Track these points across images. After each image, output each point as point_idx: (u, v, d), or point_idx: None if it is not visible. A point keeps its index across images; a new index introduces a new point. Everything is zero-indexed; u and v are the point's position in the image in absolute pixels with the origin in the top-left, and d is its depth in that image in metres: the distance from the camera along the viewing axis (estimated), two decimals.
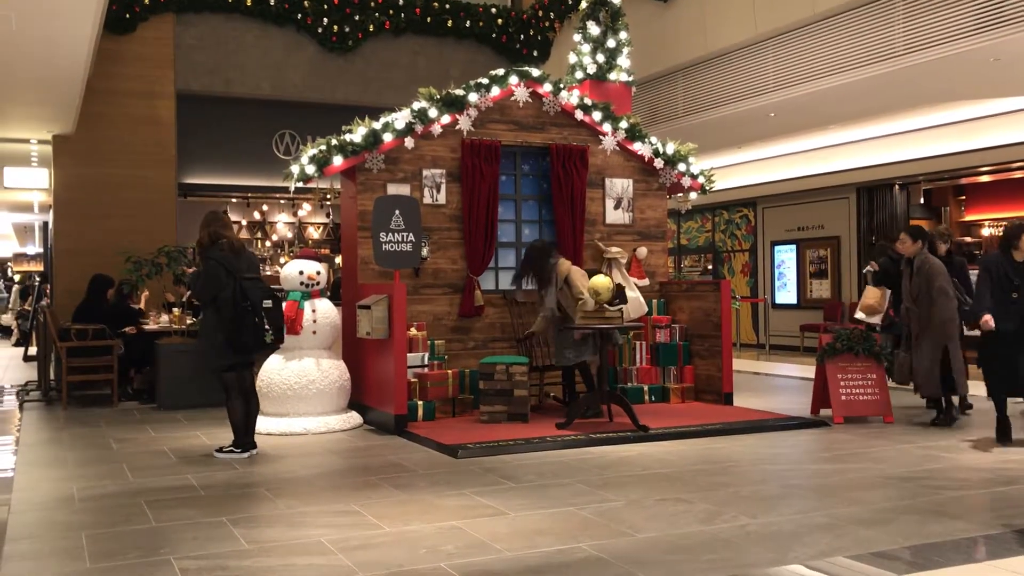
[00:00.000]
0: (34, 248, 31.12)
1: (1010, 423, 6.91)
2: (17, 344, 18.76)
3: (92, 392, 10.14)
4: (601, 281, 8.16)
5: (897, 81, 10.51)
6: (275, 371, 7.77)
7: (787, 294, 16.58)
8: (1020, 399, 7.86)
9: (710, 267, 18.54)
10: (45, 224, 17.53)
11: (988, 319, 6.79)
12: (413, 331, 8.08)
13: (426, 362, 8.14)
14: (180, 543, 4.39)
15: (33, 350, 13.06)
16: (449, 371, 8.17)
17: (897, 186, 14.68)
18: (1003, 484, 5.56)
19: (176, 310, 10.18)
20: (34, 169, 14.09)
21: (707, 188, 9.86)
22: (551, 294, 7.95)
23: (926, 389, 7.77)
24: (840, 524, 4.65)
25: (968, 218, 15.79)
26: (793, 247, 16.46)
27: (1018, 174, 13.59)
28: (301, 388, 7.65)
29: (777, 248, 16.84)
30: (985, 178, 14.16)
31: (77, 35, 8.06)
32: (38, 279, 20.03)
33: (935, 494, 5.31)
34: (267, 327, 6.45)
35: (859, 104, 11.81)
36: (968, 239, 15.38)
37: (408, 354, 7.76)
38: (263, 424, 7.67)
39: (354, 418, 7.99)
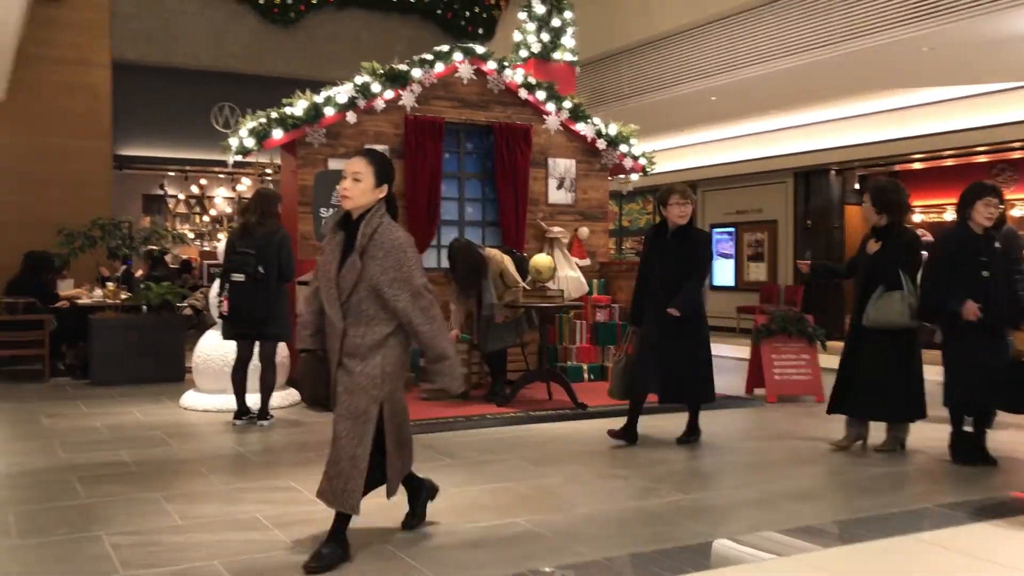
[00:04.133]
0: None
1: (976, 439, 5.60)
2: None
3: (23, 368, 9.88)
4: (542, 260, 8.21)
5: (835, 67, 10.71)
6: (211, 347, 7.66)
7: (725, 276, 16.83)
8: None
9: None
10: None
11: (972, 307, 5.26)
12: None
13: None
14: (112, 519, 4.32)
15: None
16: None
17: (833, 171, 14.98)
18: (928, 461, 5.74)
19: (110, 284, 9.96)
20: None
21: (648, 170, 9.96)
22: (488, 289, 7.56)
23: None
24: (771, 499, 4.76)
25: None
26: (732, 230, 16.70)
27: (949, 162, 13.96)
28: None
29: (716, 231, 17.08)
30: (917, 165, 14.51)
31: None
32: None
33: (863, 471, 5.47)
34: (223, 298, 6.66)
35: (798, 89, 12.01)
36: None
37: None
38: (197, 400, 7.59)
39: (292, 395, 7.92)
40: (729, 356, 12.17)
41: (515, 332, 7.70)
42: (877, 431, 6.08)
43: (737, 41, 11.38)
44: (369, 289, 3.65)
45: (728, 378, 9.63)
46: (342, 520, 3.76)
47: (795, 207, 15.40)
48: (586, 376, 9.12)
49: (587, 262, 9.51)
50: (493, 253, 7.75)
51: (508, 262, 7.76)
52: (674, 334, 5.90)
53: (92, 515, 4.41)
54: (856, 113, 13.62)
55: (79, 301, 9.96)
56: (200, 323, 10.42)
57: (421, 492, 4.22)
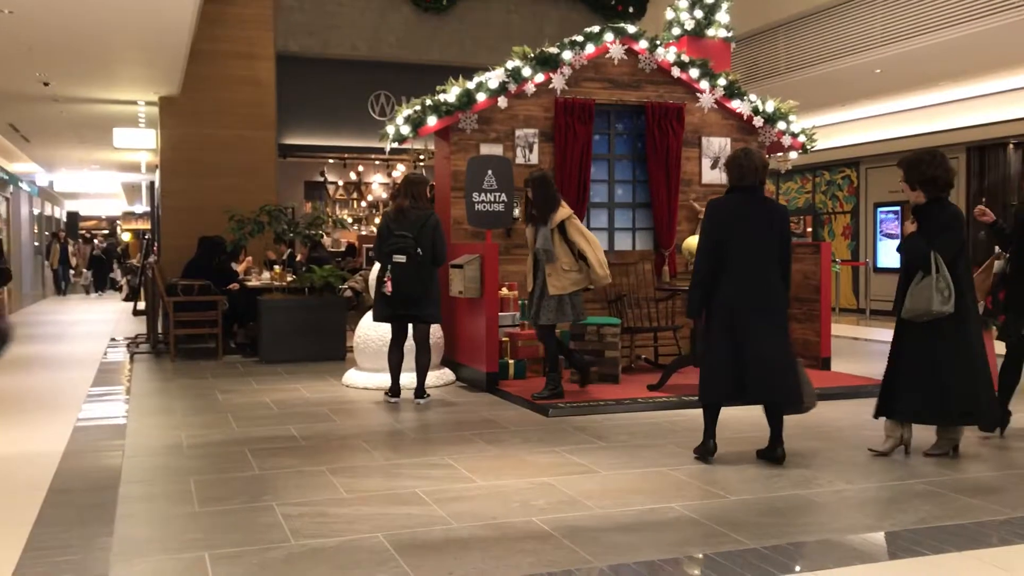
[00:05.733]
0: (141, 207, 32.37)
1: None
2: (127, 299, 19.62)
3: (198, 345, 10.54)
4: (696, 242, 8.04)
5: (1014, 34, 9.99)
6: (371, 328, 7.93)
7: (891, 258, 16.06)
8: None
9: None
10: (152, 183, 18.19)
11: None
12: (505, 291, 8.13)
13: (517, 321, 8.19)
14: (282, 490, 4.56)
15: (142, 304, 13.65)
16: None
17: (1011, 145, 13.99)
18: None
19: (277, 267, 10.46)
20: (142, 130, 14.61)
21: (808, 147, 9.58)
22: (543, 234, 6.92)
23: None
24: (942, 492, 4.52)
25: None
26: (898, 209, 15.90)
27: None
28: None
29: (880, 210, 16.29)
30: None
31: None
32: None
33: None
34: (386, 279, 6.88)
35: (972, 59, 11.28)
36: None
37: (500, 313, 7.82)
38: (358, 378, 7.89)
39: (447, 375, 8.11)
40: None
41: (565, 311, 6.92)
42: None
43: (903, 10, 10.78)
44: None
45: None
46: None
47: (968, 184, 14.49)
48: None
49: None
50: (564, 204, 7.08)
51: (576, 219, 7.06)
52: None
53: (264, 486, 4.66)
54: None
55: (248, 283, 10.51)
56: (360, 305, 10.82)
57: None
